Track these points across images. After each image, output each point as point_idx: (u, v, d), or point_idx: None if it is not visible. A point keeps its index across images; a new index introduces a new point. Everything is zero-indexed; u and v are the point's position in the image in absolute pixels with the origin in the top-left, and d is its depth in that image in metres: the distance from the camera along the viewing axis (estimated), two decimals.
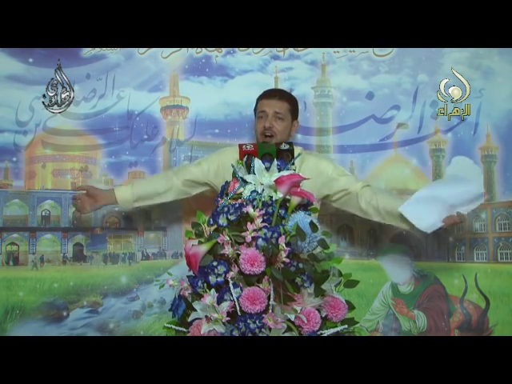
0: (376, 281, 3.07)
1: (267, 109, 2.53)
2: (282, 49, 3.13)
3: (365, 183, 2.60)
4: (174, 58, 3.14)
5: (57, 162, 3.16)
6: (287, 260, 1.84)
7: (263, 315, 1.81)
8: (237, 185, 2.07)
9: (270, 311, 1.83)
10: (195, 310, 1.91)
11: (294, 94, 2.99)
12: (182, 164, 2.71)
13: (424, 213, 2.38)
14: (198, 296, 1.91)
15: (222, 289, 1.88)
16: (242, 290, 1.86)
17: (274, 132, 2.49)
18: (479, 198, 2.46)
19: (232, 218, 1.94)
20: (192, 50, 3.13)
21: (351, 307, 1.99)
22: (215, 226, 1.99)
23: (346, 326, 1.95)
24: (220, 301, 1.85)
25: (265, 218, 1.92)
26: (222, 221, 1.95)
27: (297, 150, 2.30)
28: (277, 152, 2.15)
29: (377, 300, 3.07)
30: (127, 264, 3.12)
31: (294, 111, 2.60)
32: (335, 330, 1.91)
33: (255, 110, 2.67)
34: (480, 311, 3.04)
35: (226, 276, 1.88)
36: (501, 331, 3.01)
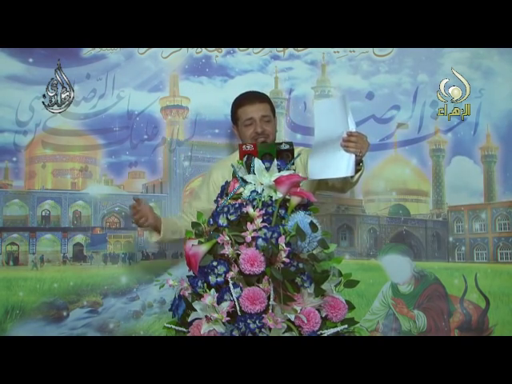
0: (376, 281, 3.07)
1: (253, 115, 2.49)
2: (281, 49, 3.13)
3: None
4: (173, 57, 3.14)
5: (57, 161, 3.17)
6: (287, 260, 1.83)
7: (263, 315, 1.81)
8: (237, 185, 2.07)
9: (270, 311, 1.82)
10: (195, 310, 1.90)
11: (293, 94, 3.00)
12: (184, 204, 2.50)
13: (333, 163, 2.14)
14: (198, 296, 1.90)
15: (222, 289, 1.87)
16: (241, 290, 1.85)
17: (266, 135, 2.49)
18: (340, 102, 2.12)
19: (232, 218, 1.94)
20: (192, 50, 3.14)
21: (351, 307, 1.98)
22: (215, 226, 1.98)
23: (346, 326, 1.95)
24: (220, 301, 1.85)
25: (265, 218, 1.92)
26: (222, 221, 1.95)
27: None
28: (277, 152, 2.15)
29: (377, 300, 3.07)
30: (127, 264, 3.13)
31: (273, 109, 2.59)
32: (335, 329, 1.90)
33: (235, 118, 2.55)
34: (480, 311, 3.04)
35: (225, 276, 1.88)
36: (501, 331, 3.01)
